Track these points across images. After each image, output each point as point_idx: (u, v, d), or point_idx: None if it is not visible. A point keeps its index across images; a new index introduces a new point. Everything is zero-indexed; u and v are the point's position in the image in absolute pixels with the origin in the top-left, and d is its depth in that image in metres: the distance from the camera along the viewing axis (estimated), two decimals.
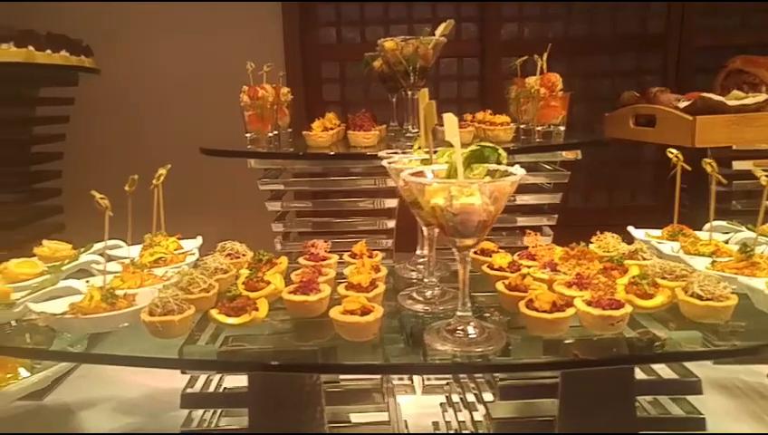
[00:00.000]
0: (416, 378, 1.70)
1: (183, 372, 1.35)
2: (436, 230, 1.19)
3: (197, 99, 2.98)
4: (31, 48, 1.70)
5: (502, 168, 1.01)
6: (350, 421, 1.41)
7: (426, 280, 1.22)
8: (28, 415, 1.67)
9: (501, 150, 1.04)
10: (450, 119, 1.01)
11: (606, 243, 1.30)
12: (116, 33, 2.78)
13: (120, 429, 1.72)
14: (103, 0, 2.84)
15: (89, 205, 2.41)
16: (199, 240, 1.50)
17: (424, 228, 1.20)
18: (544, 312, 1.00)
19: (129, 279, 1.21)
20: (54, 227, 2.17)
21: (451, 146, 1.09)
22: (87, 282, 1.25)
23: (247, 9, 3.13)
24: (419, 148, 1.29)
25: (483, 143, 1.05)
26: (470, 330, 1.02)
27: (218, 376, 1.51)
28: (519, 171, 0.97)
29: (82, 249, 1.48)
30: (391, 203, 1.78)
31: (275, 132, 1.78)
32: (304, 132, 1.73)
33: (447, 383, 1.46)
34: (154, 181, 1.33)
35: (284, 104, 1.90)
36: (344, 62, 3.52)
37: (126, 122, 2.85)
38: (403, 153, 1.28)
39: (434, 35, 1.77)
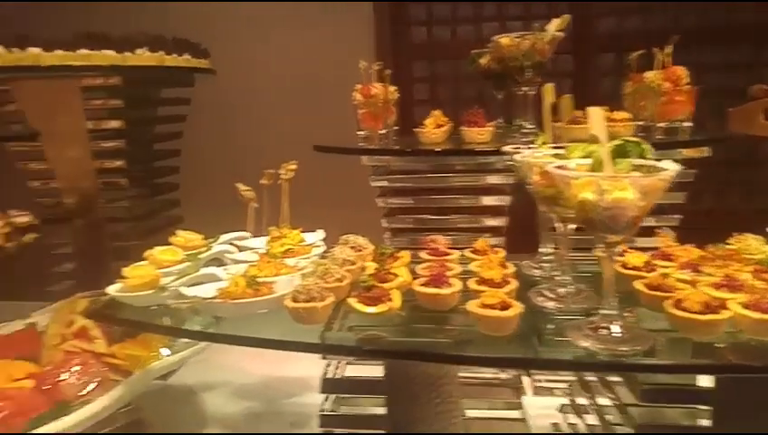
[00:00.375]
0: (524, 378, 1.68)
1: (323, 358, 1.40)
2: (571, 227, 1.18)
3: (295, 97, 3.08)
4: (161, 53, 1.82)
5: (648, 163, 0.98)
6: (464, 416, 1.41)
7: (558, 277, 1.20)
8: (158, 393, 1.79)
9: (645, 145, 1.01)
10: (596, 112, 0.99)
11: (747, 245, 1.24)
12: (214, 33, 2.90)
13: (240, 411, 1.82)
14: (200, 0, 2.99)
15: (202, 199, 2.55)
16: (321, 233, 1.55)
17: (558, 225, 1.18)
18: (695, 313, 0.97)
19: (266, 268, 1.27)
20: (173, 220, 2.31)
21: (587, 141, 1.08)
22: (225, 269, 1.32)
23: (339, 9, 3.20)
24: (544, 143, 1.28)
25: (626, 137, 1.03)
26: (615, 328, 0.99)
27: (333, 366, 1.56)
28: (671, 166, 0.94)
29: (211, 240, 1.56)
30: (503, 200, 1.77)
31: (385, 130, 1.82)
32: (416, 129, 1.75)
33: (570, 385, 1.43)
34: (282, 175, 1.38)
35: (392, 102, 1.93)
36: (435, 60, 3.53)
37: (233, 121, 2.99)
38: (528, 148, 1.27)
39: (544, 31, 1.74)
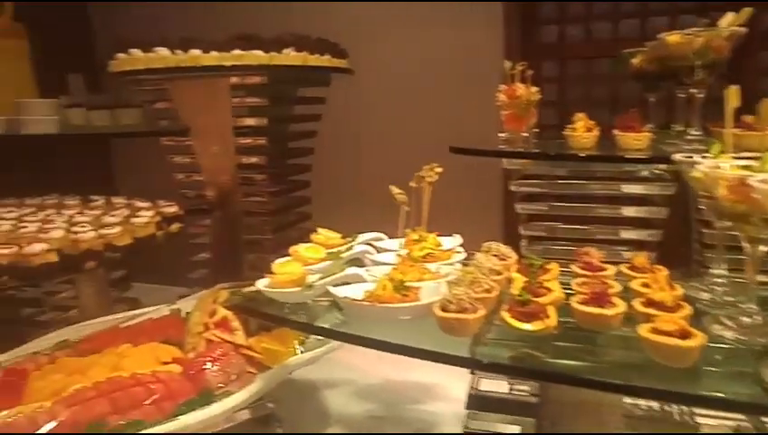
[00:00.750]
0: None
1: (472, 373, 1.35)
2: (762, 249, 1.03)
3: (425, 96, 3.05)
4: (305, 52, 1.86)
5: None
6: None
7: (742, 305, 1.06)
8: (282, 386, 1.82)
9: None
10: None
11: None
12: (347, 32, 2.92)
13: (362, 413, 1.81)
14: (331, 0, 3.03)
15: (330, 197, 2.59)
16: (458, 238, 1.50)
17: (746, 245, 1.04)
18: None
19: (409, 272, 1.24)
20: (302, 217, 2.36)
21: None
22: (367, 271, 1.31)
23: (469, 8, 3.12)
24: (721, 152, 1.14)
25: None
26: None
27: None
28: None
29: (349, 239, 1.56)
30: (656, 213, 1.62)
31: (527, 132, 1.73)
32: (566, 133, 1.63)
33: (738, 425, 1.26)
34: (427, 178, 1.34)
35: (533, 104, 1.84)
36: (565, 60, 3.35)
37: (364, 120, 3.01)
38: (703, 157, 1.13)
39: (714, 27, 1.56)
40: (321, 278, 1.27)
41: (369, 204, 3.00)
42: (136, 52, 1.77)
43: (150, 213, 1.98)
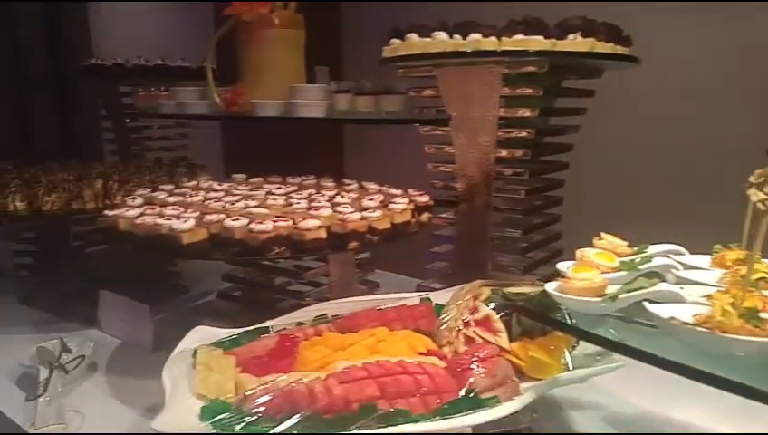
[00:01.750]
0: None
1: None
2: None
3: (709, 94, 2.63)
4: (592, 39, 1.67)
5: None
6: None
7: None
8: None
9: None
10: None
11: None
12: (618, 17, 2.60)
13: None
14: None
15: (585, 199, 2.37)
16: None
17: None
18: None
19: (747, 299, 1.00)
20: (551, 218, 2.19)
21: None
22: (682, 288, 1.10)
23: None
24: None
25: None
26: None
27: None
28: None
29: (637, 248, 1.36)
30: None
31: None
32: None
33: None
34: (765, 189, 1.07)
35: None
36: None
37: (639, 117, 2.70)
38: None
39: None
40: (625, 291, 1.09)
41: (626, 212, 2.70)
42: (412, 36, 1.76)
43: (405, 200, 1.99)
